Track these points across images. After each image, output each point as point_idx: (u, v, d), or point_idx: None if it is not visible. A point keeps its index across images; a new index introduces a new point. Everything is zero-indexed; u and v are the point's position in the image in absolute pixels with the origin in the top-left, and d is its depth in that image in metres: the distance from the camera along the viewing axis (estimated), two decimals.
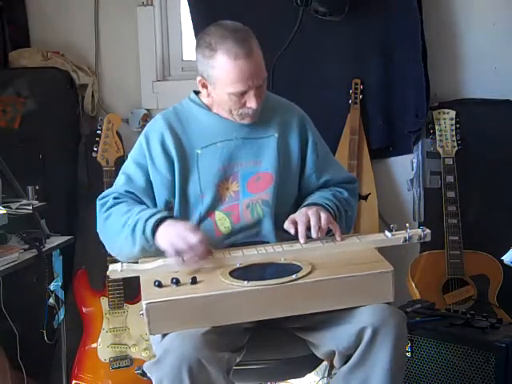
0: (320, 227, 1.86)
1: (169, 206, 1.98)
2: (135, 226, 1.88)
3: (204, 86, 1.97)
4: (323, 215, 1.88)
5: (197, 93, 2.07)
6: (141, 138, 2.03)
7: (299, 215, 1.91)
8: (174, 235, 1.82)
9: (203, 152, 1.99)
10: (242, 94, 1.90)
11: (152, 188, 1.99)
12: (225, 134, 1.99)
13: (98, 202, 2.03)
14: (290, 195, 2.04)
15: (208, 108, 2.03)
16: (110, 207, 1.98)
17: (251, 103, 1.91)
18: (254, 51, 1.89)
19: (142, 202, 1.98)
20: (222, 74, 1.89)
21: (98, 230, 2.04)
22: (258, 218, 1.97)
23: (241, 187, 1.98)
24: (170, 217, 1.90)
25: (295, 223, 1.89)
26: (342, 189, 2.09)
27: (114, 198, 1.98)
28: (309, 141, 2.07)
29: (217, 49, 1.88)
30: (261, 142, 2.01)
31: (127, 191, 1.98)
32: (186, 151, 1.98)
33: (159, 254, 1.87)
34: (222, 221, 1.96)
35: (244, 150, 1.99)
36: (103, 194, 2.04)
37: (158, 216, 1.87)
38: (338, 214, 1.98)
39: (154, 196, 1.99)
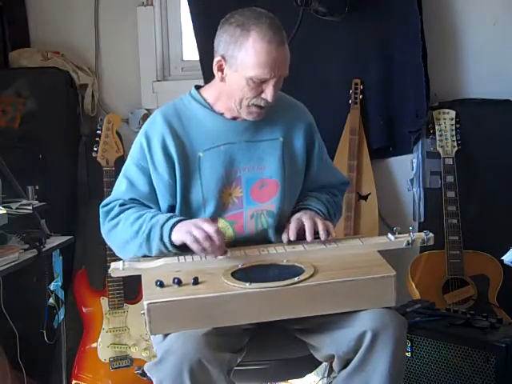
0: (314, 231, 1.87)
1: (173, 211, 1.94)
2: (150, 232, 1.85)
3: (220, 68, 1.88)
4: (317, 220, 1.89)
5: (197, 88, 2.01)
6: (141, 139, 1.96)
7: (292, 219, 1.92)
8: (190, 226, 1.80)
9: (205, 155, 1.93)
10: (262, 82, 1.84)
11: (155, 192, 1.94)
12: (228, 136, 1.94)
13: (102, 209, 1.97)
14: (293, 199, 2.02)
15: (210, 106, 1.96)
16: (117, 214, 1.93)
17: (267, 95, 1.84)
18: (285, 42, 1.85)
19: (148, 207, 1.94)
20: (250, 55, 1.80)
21: (104, 237, 1.99)
22: (262, 229, 1.95)
23: (244, 193, 1.94)
24: (185, 218, 1.87)
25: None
26: (336, 190, 2.13)
27: (120, 205, 1.93)
28: (315, 145, 2.05)
29: (250, 29, 1.80)
30: (265, 145, 1.96)
31: (132, 199, 1.94)
32: (188, 154, 1.92)
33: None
34: (224, 229, 1.91)
35: (247, 154, 1.94)
36: (106, 200, 1.99)
37: (173, 220, 1.84)
38: (328, 218, 2.00)
39: (158, 200, 1.95)
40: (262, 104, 1.87)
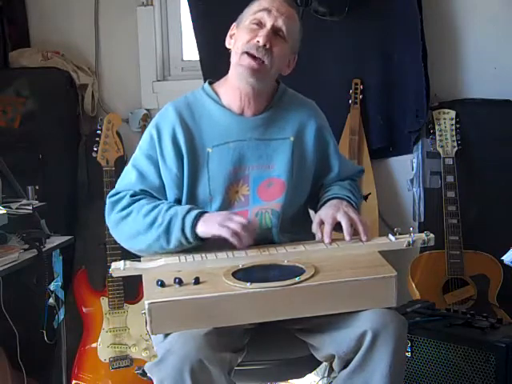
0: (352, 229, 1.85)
1: (180, 204, 1.92)
2: (170, 224, 1.82)
3: (232, 36, 1.96)
4: (353, 216, 1.87)
5: (210, 83, 2.02)
6: (151, 130, 1.96)
7: (326, 217, 1.88)
8: (222, 219, 1.80)
9: (214, 151, 1.93)
10: (261, 23, 1.88)
11: (164, 184, 1.94)
12: (238, 133, 1.94)
13: (110, 200, 1.95)
14: (299, 200, 2.01)
15: (221, 102, 1.96)
16: (128, 205, 1.90)
17: (260, 37, 1.86)
18: (293, 6, 1.96)
19: (158, 199, 1.93)
20: (253, 4, 1.93)
21: (110, 228, 1.96)
22: (266, 227, 1.94)
23: (251, 192, 1.94)
24: (205, 211, 1.86)
25: (322, 225, 1.88)
26: (353, 176, 2.13)
27: (131, 196, 1.91)
28: (330, 144, 2.04)
29: None
30: (275, 145, 1.96)
31: (142, 190, 1.92)
32: (197, 148, 1.93)
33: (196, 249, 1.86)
34: None
35: (257, 152, 1.94)
36: (115, 190, 1.97)
37: (195, 211, 1.83)
38: (356, 206, 1.98)
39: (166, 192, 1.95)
40: (253, 51, 1.87)
